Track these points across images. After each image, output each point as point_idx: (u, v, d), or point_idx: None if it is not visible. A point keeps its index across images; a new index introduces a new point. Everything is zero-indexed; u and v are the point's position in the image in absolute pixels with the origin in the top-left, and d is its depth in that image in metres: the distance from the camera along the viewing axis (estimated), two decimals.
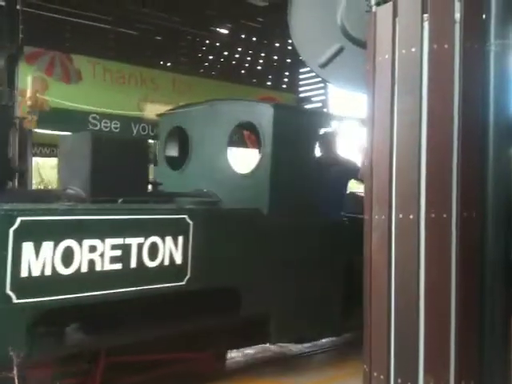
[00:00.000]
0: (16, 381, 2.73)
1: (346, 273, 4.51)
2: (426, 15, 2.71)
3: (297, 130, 4.30)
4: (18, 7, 6.86)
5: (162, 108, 8.57)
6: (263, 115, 4.21)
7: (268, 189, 4.12)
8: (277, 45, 9.81)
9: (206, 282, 3.66)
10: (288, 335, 4.35)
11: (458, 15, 2.68)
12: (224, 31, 9.27)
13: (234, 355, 4.87)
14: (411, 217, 2.69)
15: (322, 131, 4.72)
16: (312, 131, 4.50)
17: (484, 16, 2.72)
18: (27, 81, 6.98)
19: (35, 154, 9.50)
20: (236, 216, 3.99)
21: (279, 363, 4.91)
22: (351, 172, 4.93)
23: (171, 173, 4.90)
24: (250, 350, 5.04)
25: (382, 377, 2.82)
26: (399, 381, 2.76)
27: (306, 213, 4.31)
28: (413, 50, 2.72)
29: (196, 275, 3.57)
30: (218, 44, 9.28)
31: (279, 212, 4.11)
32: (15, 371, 2.72)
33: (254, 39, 9.54)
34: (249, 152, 10.18)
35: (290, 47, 9.48)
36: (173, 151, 5.16)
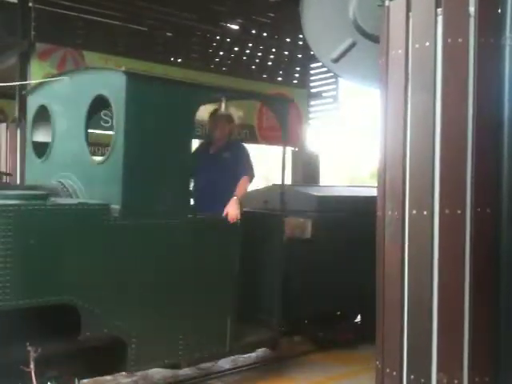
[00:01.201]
0: (33, 375, 2.75)
1: (235, 283, 3.97)
2: (439, 9, 2.68)
3: (163, 106, 3.51)
4: (30, 4, 6.89)
5: None
6: (114, 86, 3.42)
7: (121, 179, 3.32)
8: (288, 40, 9.75)
9: (29, 298, 2.95)
10: (151, 361, 3.60)
11: (472, 9, 2.65)
12: (235, 27, 9.24)
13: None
14: (425, 213, 2.68)
15: (200, 108, 3.92)
16: (185, 108, 3.66)
17: (499, 10, 2.68)
18: (40, 78, 7.03)
19: None
20: (68, 215, 3.17)
21: None
22: (245, 160, 4.38)
23: (36, 161, 4.15)
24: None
25: (394, 373, 2.81)
26: (412, 377, 2.75)
27: (176, 210, 3.60)
28: (427, 44, 2.69)
29: (13, 291, 2.89)
30: (228, 40, 9.25)
31: (137, 210, 3.38)
32: (32, 366, 2.75)
33: (265, 35, 9.50)
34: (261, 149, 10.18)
35: (300, 42, 9.42)
36: (40, 135, 4.31)
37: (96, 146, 11.39)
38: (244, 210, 4.41)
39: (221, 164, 4.44)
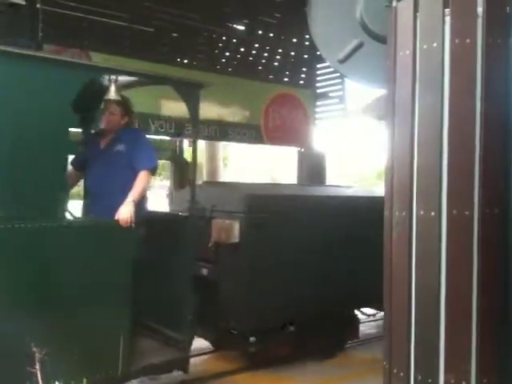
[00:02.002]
0: (39, 376, 2.76)
1: (127, 295, 3.55)
2: (447, 10, 2.68)
3: (31, 89, 3.09)
4: (37, 6, 6.93)
5: (179, 105, 8.63)
6: None
7: None
8: (294, 40, 9.75)
9: None
10: None
11: (480, 9, 2.64)
12: (241, 27, 9.25)
13: None
14: (433, 213, 2.67)
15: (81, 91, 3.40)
16: (60, 91, 3.21)
17: (508, 10, 2.68)
18: None
19: None
20: None
21: None
22: (142, 151, 3.93)
23: None
24: None
25: (401, 374, 2.81)
26: (419, 378, 2.74)
27: (51, 213, 3.18)
28: (434, 45, 2.69)
29: None
30: (234, 40, 9.27)
31: (7, 212, 3.01)
32: (38, 366, 2.75)
33: (271, 35, 9.50)
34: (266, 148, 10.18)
35: (307, 43, 9.43)
36: None
37: None
38: (150, 211, 4.07)
39: (114, 159, 3.93)
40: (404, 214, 2.78)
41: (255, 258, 4.61)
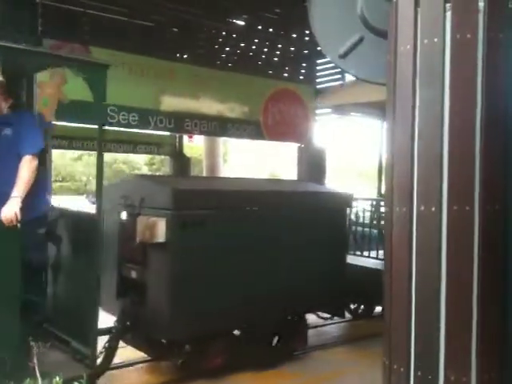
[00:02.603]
0: (36, 370, 2.76)
1: (13, 303, 3.22)
2: (448, 4, 2.66)
3: None
4: (37, 0, 6.89)
5: (179, 100, 8.60)
6: None
7: None
8: (294, 36, 9.73)
9: None
10: None
11: (481, 4, 2.62)
12: (241, 23, 9.22)
13: None
14: (433, 209, 2.66)
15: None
16: None
17: (509, 5, 2.66)
18: (46, 73, 7.04)
19: (54, 147, 9.60)
20: None
21: None
22: (26, 134, 3.61)
23: None
24: None
25: (401, 370, 2.80)
26: (419, 374, 2.74)
27: None
28: (435, 40, 2.67)
29: None
30: (234, 35, 9.24)
31: None
32: (35, 360, 2.75)
33: (271, 30, 9.47)
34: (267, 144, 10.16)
35: (307, 38, 9.40)
36: None
37: (103, 141, 11.45)
38: (56, 207, 3.77)
39: (1, 144, 3.63)
40: (404, 209, 2.77)
41: (184, 260, 4.20)
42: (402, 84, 2.82)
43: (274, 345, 5.03)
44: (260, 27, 9.37)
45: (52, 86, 7.14)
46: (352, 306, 7.00)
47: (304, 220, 5.12)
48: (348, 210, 6.32)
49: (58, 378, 2.76)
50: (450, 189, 2.64)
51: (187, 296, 4.25)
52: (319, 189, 6.28)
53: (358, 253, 7.03)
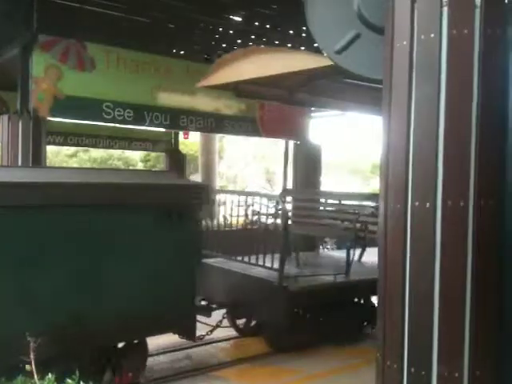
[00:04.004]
0: (33, 365, 2.75)
1: None
2: (445, 0, 2.66)
3: None
4: None
5: (175, 96, 8.59)
6: None
7: None
8: (291, 32, 9.71)
9: None
10: None
11: (478, 0, 2.62)
12: (238, 19, 9.20)
13: None
14: (427, 205, 2.66)
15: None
16: None
17: (506, 0, 2.66)
18: (41, 69, 7.01)
19: (49, 143, 9.57)
20: None
21: None
22: None
23: None
24: None
25: (395, 366, 2.81)
26: (412, 370, 2.75)
27: None
28: (432, 35, 2.67)
29: None
30: (231, 31, 9.22)
31: None
32: (32, 356, 2.75)
33: (268, 27, 9.46)
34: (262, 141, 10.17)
35: (304, 34, 9.39)
36: None
37: (98, 138, 11.45)
38: None
39: None
40: (399, 205, 2.77)
41: None
42: (398, 80, 2.81)
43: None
44: (257, 23, 9.35)
45: (47, 82, 7.12)
46: (238, 321, 6.30)
47: (132, 220, 4.22)
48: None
49: (50, 375, 2.75)
50: (444, 184, 2.64)
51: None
52: (160, 180, 4.89)
53: (240, 258, 5.91)
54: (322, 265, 6.79)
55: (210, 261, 6.19)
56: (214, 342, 5.87)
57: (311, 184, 9.94)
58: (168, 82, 8.30)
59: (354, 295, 6.31)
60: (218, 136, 13.70)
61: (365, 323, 6.36)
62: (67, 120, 8.59)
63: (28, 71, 6.93)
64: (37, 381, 2.72)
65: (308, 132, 10.27)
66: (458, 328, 2.67)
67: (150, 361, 4.68)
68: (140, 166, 23.60)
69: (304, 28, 8.64)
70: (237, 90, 7.78)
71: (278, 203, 6.58)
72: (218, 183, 15.89)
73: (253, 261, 5.64)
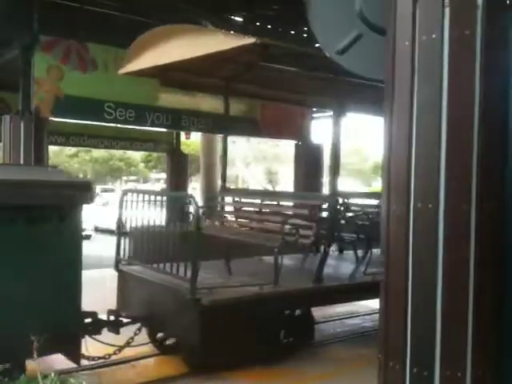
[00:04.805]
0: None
1: None
2: (446, 1, 2.66)
3: None
4: None
5: (176, 97, 8.60)
6: None
7: None
8: (292, 32, 9.72)
9: None
10: None
11: (479, 0, 2.62)
12: (238, 19, 9.21)
13: None
14: (430, 206, 2.66)
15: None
16: None
17: (508, 1, 2.66)
18: (43, 70, 7.02)
19: (51, 143, 9.58)
20: None
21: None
22: None
23: None
24: None
25: (397, 366, 2.81)
26: (415, 370, 2.74)
27: None
28: (433, 36, 2.67)
29: None
30: (232, 32, 9.23)
31: None
32: (35, 355, 2.75)
33: (269, 27, 9.47)
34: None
35: (305, 35, 9.40)
36: None
37: (100, 138, 11.47)
38: None
39: None
40: (401, 206, 2.77)
41: None
42: (399, 80, 2.81)
43: None
44: (258, 24, 9.37)
45: (49, 83, 7.13)
46: (159, 336, 5.65)
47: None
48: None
49: (53, 375, 2.76)
50: (447, 186, 2.64)
51: None
52: (35, 176, 4.23)
53: (153, 265, 5.31)
54: (259, 273, 5.84)
55: (126, 268, 5.63)
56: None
57: (312, 185, 9.94)
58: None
59: (286, 307, 5.49)
60: (219, 136, 13.69)
61: (297, 338, 5.54)
62: (69, 120, 8.61)
63: (30, 72, 6.95)
64: (40, 380, 2.73)
65: (309, 132, 10.28)
66: (460, 329, 2.66)
67: None
68: (141, 166, 23.66)
69: (305, 28, 8.65)
70: (164, 78, 6.78)
71: (189, 203, 5.37)
72: (220, 183, 15.88)
73: (168, 269, 4.99)
